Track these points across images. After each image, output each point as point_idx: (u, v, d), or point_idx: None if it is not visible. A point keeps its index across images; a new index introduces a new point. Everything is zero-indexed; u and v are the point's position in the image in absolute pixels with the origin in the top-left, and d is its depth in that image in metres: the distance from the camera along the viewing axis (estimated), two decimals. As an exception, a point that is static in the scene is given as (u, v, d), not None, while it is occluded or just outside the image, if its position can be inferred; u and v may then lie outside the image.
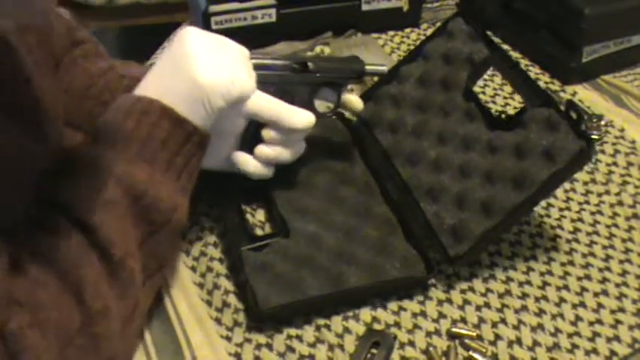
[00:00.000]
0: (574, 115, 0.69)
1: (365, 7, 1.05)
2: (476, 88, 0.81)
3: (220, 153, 0.70)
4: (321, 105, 0.75)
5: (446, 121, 0.78)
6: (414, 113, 0.80)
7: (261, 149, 0.70)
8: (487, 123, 0.75)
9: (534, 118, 0.71)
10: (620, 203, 0.81)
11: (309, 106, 0.72)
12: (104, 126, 0.61)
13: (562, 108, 0.70)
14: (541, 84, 0.98)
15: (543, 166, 0.69)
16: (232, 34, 0.97)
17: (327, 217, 0.73)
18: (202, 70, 0.62)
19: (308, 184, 0.77)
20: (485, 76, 0.91)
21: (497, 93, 0.90)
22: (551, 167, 0.68)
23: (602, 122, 0.91)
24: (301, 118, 0.69)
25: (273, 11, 0.99)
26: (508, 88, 0.95)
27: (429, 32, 1.07)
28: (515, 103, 0.92)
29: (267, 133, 0.69)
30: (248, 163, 0.70)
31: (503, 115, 0.87)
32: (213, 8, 0.96)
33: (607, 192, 0.82)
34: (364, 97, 0.85)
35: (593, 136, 0.89)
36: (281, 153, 0.70)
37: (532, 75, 1.00)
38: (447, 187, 0.73)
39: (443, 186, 0.73)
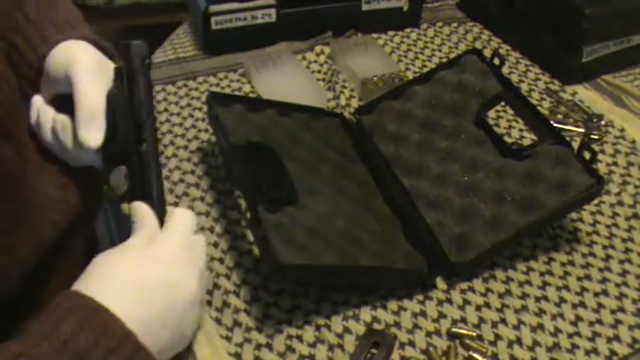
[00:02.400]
0: (587, 156, 0.71)
1: (365, 7, 1.05)
2: (490, 120, 0.81)
3: None
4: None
5: (453, 143, 0.78)
6: (419, 131, 0.81)
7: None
8: (497, 150, 0.76)
9: (547, 153, 0.72)
10: (620, 203, 0.81)
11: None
12: (42, 328, 0.48)
13: (575, 146, 0.72)
14: (541, 84, 0.98)
15: (553, 194, 0.70)
16: (232, 34, 0.99)
17: (334, 201, 0.73)
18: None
19: (314, 168, 0.77)
20: (499, 107, 0.91)
21: (512, 125, 0.90)
22: (561, 197, 0.69)
23: (602, 122, 0.91)
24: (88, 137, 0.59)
25: (273, 11, 0.99)
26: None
27: (430, 33, 1.08)
28: (531, 136, 0.89)
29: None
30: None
31: (514, 147, 0.86)
32: (213, 8, 0.96)
33: (607, 192, 0.82)
34: (367, 107, 0.85)
35: (593, 136, 0.89)
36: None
37: (532, 75, 1.00)
38: (451, 200, 0.74)
39: (447, 198, 0.74)
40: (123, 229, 0.60)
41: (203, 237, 0.60)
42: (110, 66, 0.62)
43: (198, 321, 0.59)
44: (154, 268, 0.54)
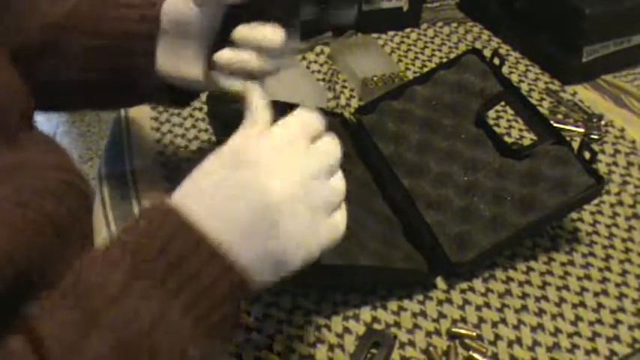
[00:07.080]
0: (587, 156, 0.71)
1: (365, 7, 1.05)
2: (490, 120, 0.81)
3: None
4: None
5: (453, 143, 0.78)
6: (419, 131, 0.81)
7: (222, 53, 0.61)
8: (497, 150, 0.76)
9: (547, 152, 0.72)
10: (620, 203, 0.81)
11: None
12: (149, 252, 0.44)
13: (575, 146, 0.72)
14: (541, 84, 0.98)
15: (553, 194, 0.70)
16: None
17: None
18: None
19: None
20: (499, 107, 0.91)
21: (511, 125, 0.90)
22: (561, 197, 0.69)
23: (602, 122, 0.91)
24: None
25: (273, 11, 0.99)
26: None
27: (430, 33, 1.08)
28: (531, 136, 0.88)
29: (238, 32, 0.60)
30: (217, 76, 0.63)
31: (514, 146, 0.86)
32: (214, 8, 0.96)
33: (607, 192, 0.82)
34: (367, 107, 0.85)
35: (593, 136, 0.89)
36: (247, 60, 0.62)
37: (532, 75, 1.00)
38: (452, 200, 0.74)
39: (447, 199, 0.74)
40: None
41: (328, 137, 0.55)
42: None
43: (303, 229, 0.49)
44: (247, 192, 0.49)
